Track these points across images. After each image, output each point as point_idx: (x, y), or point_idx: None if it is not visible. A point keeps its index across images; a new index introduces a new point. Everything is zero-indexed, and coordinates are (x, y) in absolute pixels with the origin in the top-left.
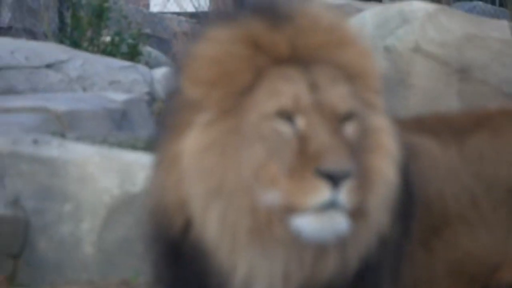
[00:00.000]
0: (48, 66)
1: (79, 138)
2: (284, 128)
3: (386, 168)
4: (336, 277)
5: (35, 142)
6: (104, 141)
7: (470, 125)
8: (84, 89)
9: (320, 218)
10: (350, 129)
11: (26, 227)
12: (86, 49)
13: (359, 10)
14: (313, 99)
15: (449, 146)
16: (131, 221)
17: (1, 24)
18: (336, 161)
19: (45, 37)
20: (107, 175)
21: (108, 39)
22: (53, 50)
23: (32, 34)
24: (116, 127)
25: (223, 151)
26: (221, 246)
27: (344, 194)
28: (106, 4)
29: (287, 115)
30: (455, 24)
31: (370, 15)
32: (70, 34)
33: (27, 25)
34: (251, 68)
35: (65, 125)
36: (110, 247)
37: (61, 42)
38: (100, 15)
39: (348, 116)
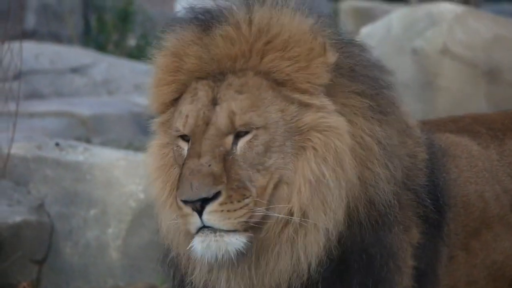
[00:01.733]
0: (73, 70)
1: (104, 143)
2: (183, 151)
3: (311, 168)
4: (295, 276)
5: (57, 145)
6: (129, 145)
7: (509, 125)
8: (109, 93)
9: (202, 239)
10: (244, 143)
11: (51, 232)
12: (111, 53)
13: (386, 12)
14: (202, 119)
15: (488, 147)
16: (157, 226)
17: (26, 28)
18: (189, 190)
19: (70, 41)
20: (133, 179)
21: (133, 42)
22: (78, 54)
23: (57, 38)
24: (141, 131)
25: (164, 172)
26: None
27: (211, 217)
28: (131, 8)
29: (184, 137)
30: (483, 26)
31: (397, 17)
32: (95, 38)
33: (52, 29)
34: (176, 82)
35: (90, 130)
36: (136, 252)
37: (86, 46)
38: (125, 18)
39: (245, 129)
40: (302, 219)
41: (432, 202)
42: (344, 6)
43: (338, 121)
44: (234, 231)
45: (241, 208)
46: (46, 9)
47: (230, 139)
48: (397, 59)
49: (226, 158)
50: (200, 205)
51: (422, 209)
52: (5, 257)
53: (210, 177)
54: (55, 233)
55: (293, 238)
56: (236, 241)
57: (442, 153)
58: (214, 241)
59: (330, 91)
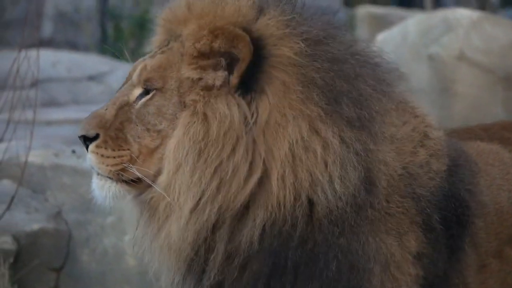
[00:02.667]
0: (90, 78)
1: None
2: None
3: (175, 147)
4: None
5: (74, 152)
6: None
7: None
8: None
9: (93, 180)
10: (144, 100)
11: (68, 240)
12: (128, 61)
13: (402, 18)
14: (133, 70)
15: None
16: None
17: (43, 36)
18: (81, 128)
19: (86, 49)
20: None
21: (149, 50)
22: (94, 62)
23: (73, 46)
24: None
25: None
26: None
27: (90, 156)
28: (147, 16)
29: None
30: (500, 32)
31: (413, 23)
32: (112, 46)
33: (69, 37)
34: (156, 40)
35: None
36: None
37: (103, 53)
38: (142, 26)
39: (146, 87)
40: (166, 195)
41: (441, 212)
42: (360, 12)
43: (225, 108)
44: (110, 178)
45: (114, 157)
46: (63, 17)
47: (136, 92)
48: (414, 65)
49: (124, 108)
50: (84, 143)
51: (422, 217)
52: (23, 265)
53: (96, 118)
54: (72, 241)
55: (167, 215)
56: (111, 187)
57: (471, 163)
58: (96, 182)
59: (260, 80)
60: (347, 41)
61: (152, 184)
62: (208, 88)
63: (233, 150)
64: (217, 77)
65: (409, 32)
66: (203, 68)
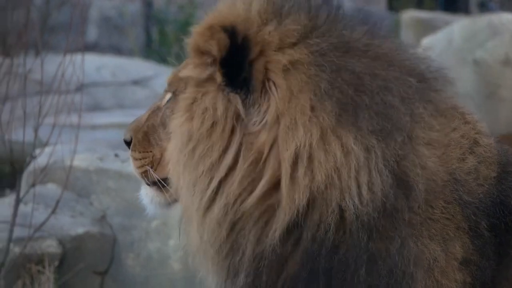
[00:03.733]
0: (135, 82)
1: None
2: None
3: (170, 151)
4: None
5: (116, 156)
6: None
7: None
8: None
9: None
10: (167, 104)
11: (113, 244)
12: (172, 65)
13: (447, 23)
14: None
15: None
16: None
17: (88, 41)
18: (124, 133)
19: (131, 53)
20: None
21: None
22: (139, 66)
23: (118, 51)
24: None
25: None
26: None
27: (131, 160)
28: (192, 20)
29: None
30: None
31: (458, 28)
32: (157, 50)
33: (113, 42)
34: None
35: None
36: None
37: (147, 58)
38: (186, 30)
39: (170, 91)
40: (176, 198)
41: (489, 219)
42: (405, 17)
43: (209, 103)
44: (146, 183)
45: (140, 159)
46: (108, 22)
47: (167, 96)
48: (459, 70)
49: (154, 112)
50: (128, 148)
51: (468, 223)
52: (68, 269)
53: (134, 123)
54: (117, 245)
55: (187, 218)
56: (148, 193)
57: None
58: (142, 188)
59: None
60: (383, 51)
61: (165, 188)
62: (198, 85)
63: (226, 146)
64: (205, 74)
65: (454, 36)
66: (195, 66)
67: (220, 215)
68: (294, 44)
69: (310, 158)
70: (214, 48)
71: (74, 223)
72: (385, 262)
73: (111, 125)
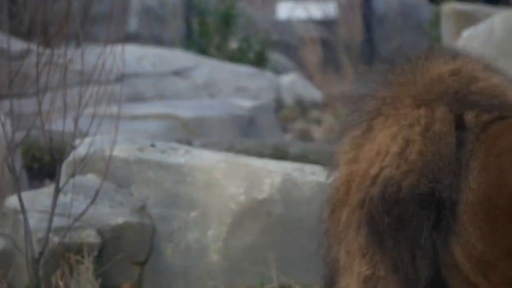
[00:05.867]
0: (175, 73)
1: (206, 145)
2: None
3: None
4: None
5: (153, 146)
6: (230, 148)
7: None
8: (211, 96)
9: None
10: None
11: (152, 234)
12: (213, 56)
13: (488, 15)
14: None
15: None
16: (257, 228)
17: (129, 31)
18: None
19: (172, 44)
20: (234, 182)
21: (235, 45)
22: (180, 57)
23: (159, 41)
24: (242, 134)
25: None
26: None
27: None
28: (233, 11)
29: None
30: None
31: (500, 20)
32: (197, 41)
33: (154, 32)
34: None
35: (191, 132)
36: (236, 254)
37: (188, 48)
38: (227, 21)
39: None
40: None
41: None
42: (445, 9)
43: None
44: None
45: None
46: (149, 12)
47: None
48: (500, 63)
49: None
50: None
51: None
52: (107, 259)
53: None
54: (156, 235)
55: None
56: None
57: None
58: None
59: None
60: None
61: None
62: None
63: None
64: None
65: (495, 29)
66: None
67: None
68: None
69: None
70: None
71: (113, 213)
72: None
73: (151, 116)
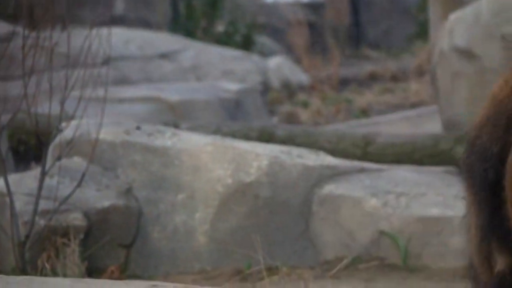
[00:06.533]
0: (162, 56)
1: (192, 128)
2: None
3: None
4: None
5: (138, 128)
6: (217, 131)
7: None
8: (198, 79)
9: None
10: None
11: (138, 217)
12: (200, 39)
13: None
14: None
15: None
16: (244, 211)
17: (115, 14)
18: None
19: (158, 27)
20: (221, 164)
21: (221, 29)
22: (166, 40)
23: (146, 24)
24: (229, 117)
25: None
26: None
27: None
28: None
29: None
30: None
31: (486, 2)
32: (184, 24)
33: (141, 15)
34: None
35: (178, 115)
36: (223, 237)
37: (175, 32)
38: (214, 4)
39: None
40: None
41: None
42: None
43: None
44: None
45: None
46: None
47: None
48: (486, 46)
49: None
50: None
51: None
52: (93, 241)
53: None
54: (143, 218)
55: None
56: None
57: None
58: None
59: None
60: None
61: None
62: None
63: None
64: None
65: (482, 11)
66: None
67: None
68: None
69: None
70: None
71: (99, 196)
72: None
73: (137, 99)
